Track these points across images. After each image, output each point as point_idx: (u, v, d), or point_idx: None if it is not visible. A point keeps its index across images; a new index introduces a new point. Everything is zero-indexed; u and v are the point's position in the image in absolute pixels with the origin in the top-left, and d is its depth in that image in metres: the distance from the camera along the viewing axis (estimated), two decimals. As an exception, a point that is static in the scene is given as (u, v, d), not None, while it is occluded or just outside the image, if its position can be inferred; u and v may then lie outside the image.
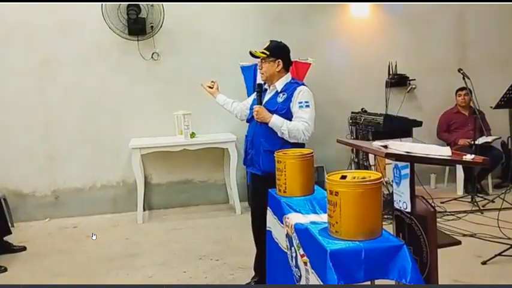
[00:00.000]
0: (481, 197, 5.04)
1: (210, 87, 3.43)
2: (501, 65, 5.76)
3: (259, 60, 3.02)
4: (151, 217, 5.11)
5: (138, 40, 5.01)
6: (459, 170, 5.39)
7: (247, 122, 3.18)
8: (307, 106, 2.92)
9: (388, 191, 4.19)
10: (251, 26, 5.27)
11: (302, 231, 1.99)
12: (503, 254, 3.46)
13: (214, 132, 5.26)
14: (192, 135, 4.96)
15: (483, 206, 4.81)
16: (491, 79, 5.45)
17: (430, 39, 5.76)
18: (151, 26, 4.99)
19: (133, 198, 5.00)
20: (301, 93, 2.93)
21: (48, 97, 5.03)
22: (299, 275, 2.13)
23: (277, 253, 2.44)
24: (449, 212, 4.63)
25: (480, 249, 3.65)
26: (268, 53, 2.95)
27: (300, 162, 2.48)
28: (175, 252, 3.99)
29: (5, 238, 4.09)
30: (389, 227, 2.01)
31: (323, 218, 2.03)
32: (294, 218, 2.14)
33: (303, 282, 2.08)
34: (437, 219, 2.54)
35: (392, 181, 2.08)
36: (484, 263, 3.42)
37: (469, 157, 1.92)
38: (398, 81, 5.62)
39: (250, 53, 3.02)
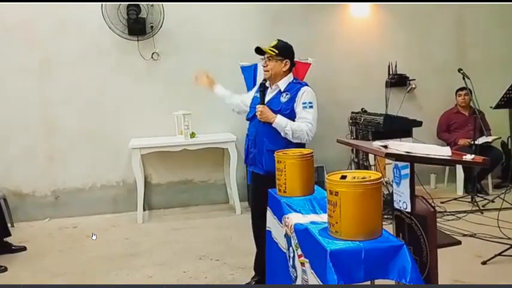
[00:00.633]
0: (481, 197, 5.05)
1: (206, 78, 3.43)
2: (501, 65, 5.76)
3: (262, 57, 3.00)
4: (151, 217, 5.11)
5: (138, 40, 5.02)
6: (459, 170, 5.40)
7: (248, 120, 3.16)
8: (311, 107, 2.93)
9: (388, 191, 4.19)
10: (251, 26, 5.27)
11: (302, 231, 1.99)
12: (503, 254, 3.46)
13: (214, 132, 5.26)
14: (192, 135, 4.96)
15: (483, 206, 4.81)
16: (491, 79, 5.45)
17: (430, 39, 5.76)
18: (151, 26, 4.99)
19: (133, 198, 5.00)
20: (305, 94, 2.93)
21: (48, 97, 5.03)
22: (295, 275, 2.13)
23: (277, 253, 2.44)
24: (449, 212, 4.63)
25: (480, 249, 3.65)
26: (277, 51, 2.94)
27: (300, 162, 2.48)
28: (175, 252, 3.99)
29: (5, 239, 4.09)
30: (389, 227, 2.01)
31: (323, 218, 2.03)
32: (294, 218, 2.14)
33: (298, 282, 2.08)
34: (437, 219, 2.54)
35: (392, 181, 2.08)
36: (484, 263, 3.42)
37: (469, 157, 1.92)
38: (398, 81, 5.62)
39: (258, 49, 2.98)
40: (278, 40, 3.01)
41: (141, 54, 5.08)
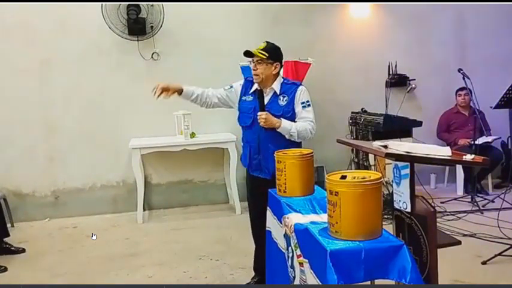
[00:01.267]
0: (481, 197, 5.05)
1: (164, 90, 2.97)
2: (501, 65, 5.75)
3: (251, 59, 2.93)
4: (151, 217, 5.11)
5: (138, 40, 5.01)
6: (459, 170, 5.39)
7: (245, 127, 3.07)
8: (309, 105, 2.94)
9: (388, 191, 4.19)
10: (251, 26, 5.27)
11: (302, 231, 1.99)
12: (503, 254, 3.46)
13: (214, 132, 5.26)
14: (192, 135, 4.96)
15: (483, 206, 4.81)
16: (491, 79, 5.45)
17: (430, 39, 5.76)
18: (151, 26, 4.99)
19: (133, 198, 5.00)
20: (302, 94, 2.94)
21: (48, 97, 5.03)
22: (293, 275, 2.13)
23: (277, 253, 2.45)
24: (449, 212, 4.63)
25: (480, 249, 3.65)
26: (267, 54, 2.88)
27: (300, 162, 2.48)
28: (175, 252, 3.99)
29: (5, 239, 4.08)
30: (389, 227, 2.02)
31: (323, 218, 2.03)
32: (294, 218, 2.14)
33: (296, 282, 2.08)
34: (437, 219, 2.54)
35: (392, 181, 2.08)
36: (484, 263, 3.42)
37: (469, 157, 1.92)
38: (398, 81, 5.62)
39: (248, 52, 2.90)
40: (267, 42, 2.96)
41: (141, 54, 5.08)
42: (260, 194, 2.87)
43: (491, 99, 4.53)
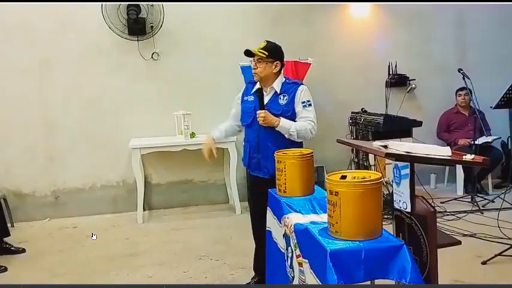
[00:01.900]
0: (481, 197, 5.05)
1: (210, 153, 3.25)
2: (501, 65, 5.75)
3: (252, 59, 2.96)
4: (151, 217, 5.11)
5: (138, 40, 5.01)
6: (459, 170, 5.39)
7: (246, 126, 3.11)
8: (310, 105, 2.94)
9: (388, 191, 4.19)
10: (251, 26, 5.27)
11: (302, 231, 1.99)
12: (503, 254, 3.46)
13: (214, 132, 5.25)
14: (192, 135, 4.96)
15: (483, 206, 4.81)
16: (491, 79, 5.44)
17: (430, 39, 5.75)
18: (151, 26, 4.99)
19: (133, 198, 5.00)
20: (303, 93, 2.94)
21: (48, 97, 5.03)
22: (292, 275, 2.13)
23: (276, 253, 2.45)
24: (449, 212, 4.63)
25: (480, 249, 3.65)
26: (267, 53, 2.90)
27: (300, 162, 2.48)
28: (175, 252, 3.99)
29: (5, 239, 4.08)
30: (389, 227, 2.02)
31: (323, 218, 2.03)
32: (294, 218, 2.14)
33: (295, 282, 2.08)
34: (437, 219, 2.54)
35: (392, 181, 2.08)
36: (484, 263, 3.42)
37: (469, 157, 1.92)
38: (398, 81, 5.61)
39: (248, 52, 2.93)
40: (267, 41, 2.98)
41: (141, 54, 5.08)
42: (260, 194, 2.87)
43: (491, 99, 4.53)
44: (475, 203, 4.84)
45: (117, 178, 5.25)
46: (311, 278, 1.85)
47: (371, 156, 4.79)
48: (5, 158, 4.97)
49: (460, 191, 5.37)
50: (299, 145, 2.96)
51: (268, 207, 2.64)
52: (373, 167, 4.74)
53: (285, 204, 2.34)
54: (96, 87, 5.11)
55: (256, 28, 5.23)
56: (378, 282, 1.92)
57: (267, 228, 2.64)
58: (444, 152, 1.95)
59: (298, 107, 2.92)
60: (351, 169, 5.17)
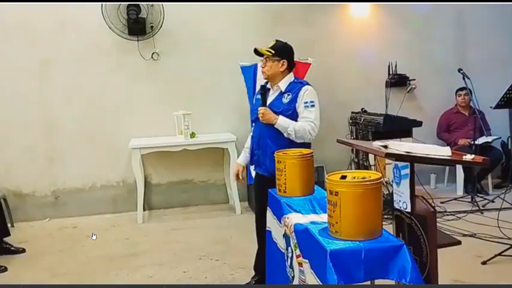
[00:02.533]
0: (481, 197, 5.05)
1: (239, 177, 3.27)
2: (501, 65, 5.75)
3: (262, 58, 3.00)
4: (151, 217, 5.11)
5: (138, 40, 5.01)
6: (459, 170, 5.39)
7: (253, 122, 3.15)
8: (313, 106, 2.93)
9: (388, 191, 4.19)
10: (251, 26, 5.27)
11: (302, 231, 1.99)
12: (503, 254, 3.46)
13: (214, 132, 5.26)
14: (192, 135, 4.96)
15: (483, 206, 4.81)
16: (491, 79, 5.44)
17: (430, 39, 5.75)
18: (151, 26, 4.99)
19: (133, 198, 5.00)
20: (307, 93, 2.93)
21: (48, 97, 5.03)
22: (292, 275, 2.13)
23: (276, 253, 2.45)
24: (449, 212, 4.63)
25: (480, 249, 3.65)
26: (273, 51, 2.93)
27: (300, 162, 2.48)
28: (175, 252, 3.99)
29: (5, 239, 4.08)
30: (389, 227, 2.01)
31: (323, 218, 2.03)
32: (294, 218, 2.14)
33: (295, 282, 2.08)
34: (437, 219, 2.54)
35: (392, 181, 2.08)
36: (484, 263, 3.42)
37: (469, 157, 1.92)
38: (398, 81, 5.61)
39: (255, 50, 2.99)
40: (276, 40, 3.01)
41: (141, 54, 5.08)
42: (261, 194, 2.88)
43: (491, 99, 4.53)
44: (475, 203, 4.84)
45: (117, 178, 5.25)
46: (311, 278, 1.86)
47: (371, 156, 4.79)
48: (5, 158, 4.97)
49: (460, 191, 5.37)
50: (300, 145, 2.88)
51: (268, 207, 2.64)
52: (373, 167, 4.74)
53: (285, 204, 2.34)
54: (96, 87, 5.11)
55: (256, 28, 5.23)
56: (378, 282, 1.92)
57: (267, 228, 2.64)
58: (444, 152, 1.95)
59: (300, 107, 2.92)
60: (351, 169, 5.17)
